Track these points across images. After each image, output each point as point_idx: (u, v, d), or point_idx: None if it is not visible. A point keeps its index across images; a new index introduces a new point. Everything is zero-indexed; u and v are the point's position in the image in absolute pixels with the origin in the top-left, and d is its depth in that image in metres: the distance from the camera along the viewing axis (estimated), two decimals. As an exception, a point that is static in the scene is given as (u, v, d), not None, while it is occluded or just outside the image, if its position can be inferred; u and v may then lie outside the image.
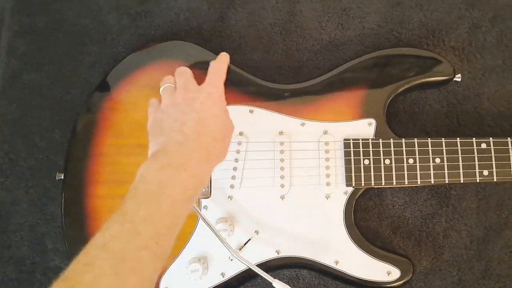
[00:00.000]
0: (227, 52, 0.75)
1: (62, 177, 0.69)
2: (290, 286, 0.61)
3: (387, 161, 0.67)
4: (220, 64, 0.64)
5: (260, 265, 0.66)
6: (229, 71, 0.65)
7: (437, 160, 0.67)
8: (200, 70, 0.70)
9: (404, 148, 0.67)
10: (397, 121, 0.75)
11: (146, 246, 0.44)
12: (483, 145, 0.67)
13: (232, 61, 0.73)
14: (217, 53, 0.71)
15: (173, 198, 0.48)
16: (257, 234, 0.67)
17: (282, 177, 0.68)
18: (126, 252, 0.43)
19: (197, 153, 0.52)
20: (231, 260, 0.67)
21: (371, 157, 0.67)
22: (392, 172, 0.67)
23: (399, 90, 0.69)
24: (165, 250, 0.47)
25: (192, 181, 0.51)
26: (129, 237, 0.44)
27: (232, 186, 0.68)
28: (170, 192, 0.48)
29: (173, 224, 0.48)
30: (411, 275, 0.66)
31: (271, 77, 0.76)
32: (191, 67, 0.70)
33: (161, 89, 0.61)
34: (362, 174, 0.67)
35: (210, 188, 0.68)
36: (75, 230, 0.68)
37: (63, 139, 0.77)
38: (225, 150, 0.58)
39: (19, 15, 0.79)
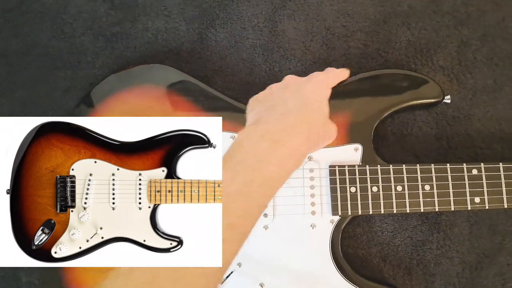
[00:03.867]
0: (207, 74, 0.72)
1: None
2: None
3: (375, 189, 0.64)
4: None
5: (243, 301, 0.63)
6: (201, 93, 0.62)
7: (427, 187, 0.64)
8: (178, 94, 0.67)
9: (392, 175, 0.64)
10: (385, 144, 0.72)
11: (232, 224, 0.43)
12: (474, 171, 0.64)
13: (212, 83, 0.70)
14: (196, 75, 0.68)
15: (266, 177, 0.46)
16: (240, 266, 0.64)
17: (265, 206, 0.65)
18: None
19: (298, 129, 0.49)
20: (213, 296, 0.64)
21: (358, 184, 0.64)
22: (380, 200, 0.64)
23: (386, 114, 0.66)
24: (247, 231, 0.46)
25: (287, 161, 0.48)
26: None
27: (212, 218, 0.65)
28: (265, 169, 0.46)
29: (260, 204, 0.47)
30: (401, 308, 0.64)
31: (253, 100, 0.73)
32: (169, 91, 0.67)
33: None
34: (349, 202, 0.64)
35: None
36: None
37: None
38: (330, 137, 0.54)
39: (-11, 38, 0.75)
